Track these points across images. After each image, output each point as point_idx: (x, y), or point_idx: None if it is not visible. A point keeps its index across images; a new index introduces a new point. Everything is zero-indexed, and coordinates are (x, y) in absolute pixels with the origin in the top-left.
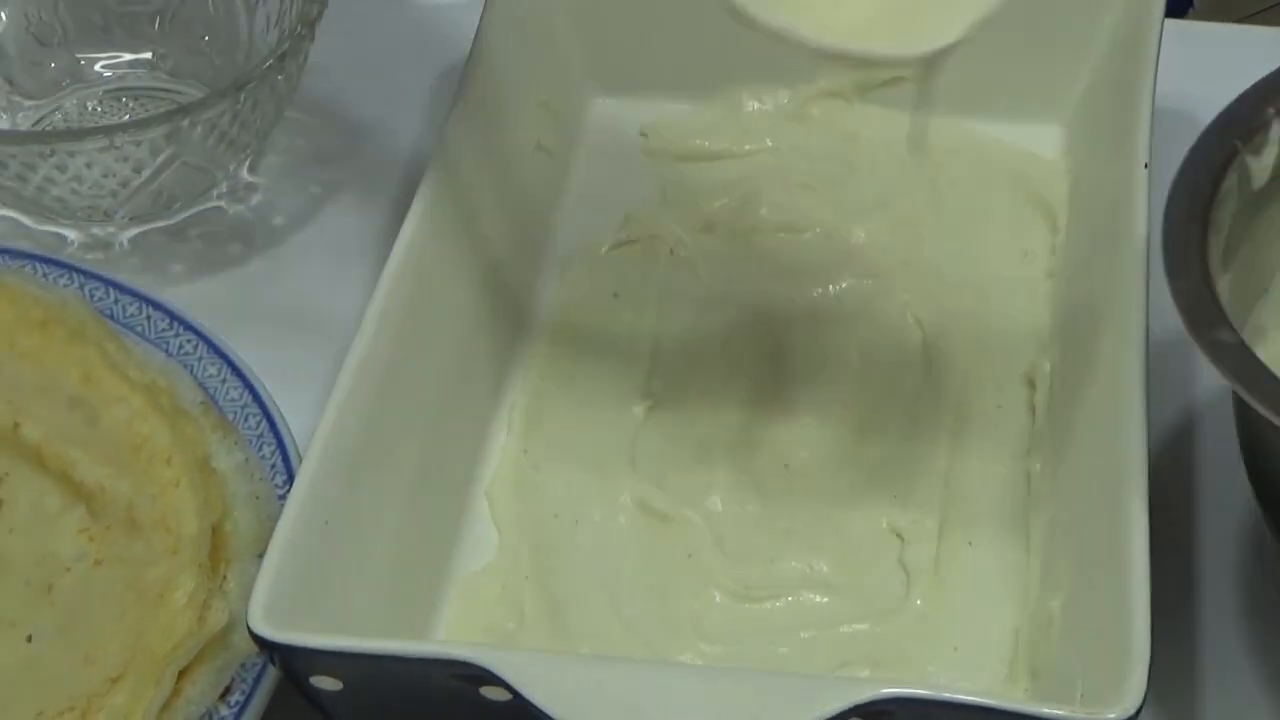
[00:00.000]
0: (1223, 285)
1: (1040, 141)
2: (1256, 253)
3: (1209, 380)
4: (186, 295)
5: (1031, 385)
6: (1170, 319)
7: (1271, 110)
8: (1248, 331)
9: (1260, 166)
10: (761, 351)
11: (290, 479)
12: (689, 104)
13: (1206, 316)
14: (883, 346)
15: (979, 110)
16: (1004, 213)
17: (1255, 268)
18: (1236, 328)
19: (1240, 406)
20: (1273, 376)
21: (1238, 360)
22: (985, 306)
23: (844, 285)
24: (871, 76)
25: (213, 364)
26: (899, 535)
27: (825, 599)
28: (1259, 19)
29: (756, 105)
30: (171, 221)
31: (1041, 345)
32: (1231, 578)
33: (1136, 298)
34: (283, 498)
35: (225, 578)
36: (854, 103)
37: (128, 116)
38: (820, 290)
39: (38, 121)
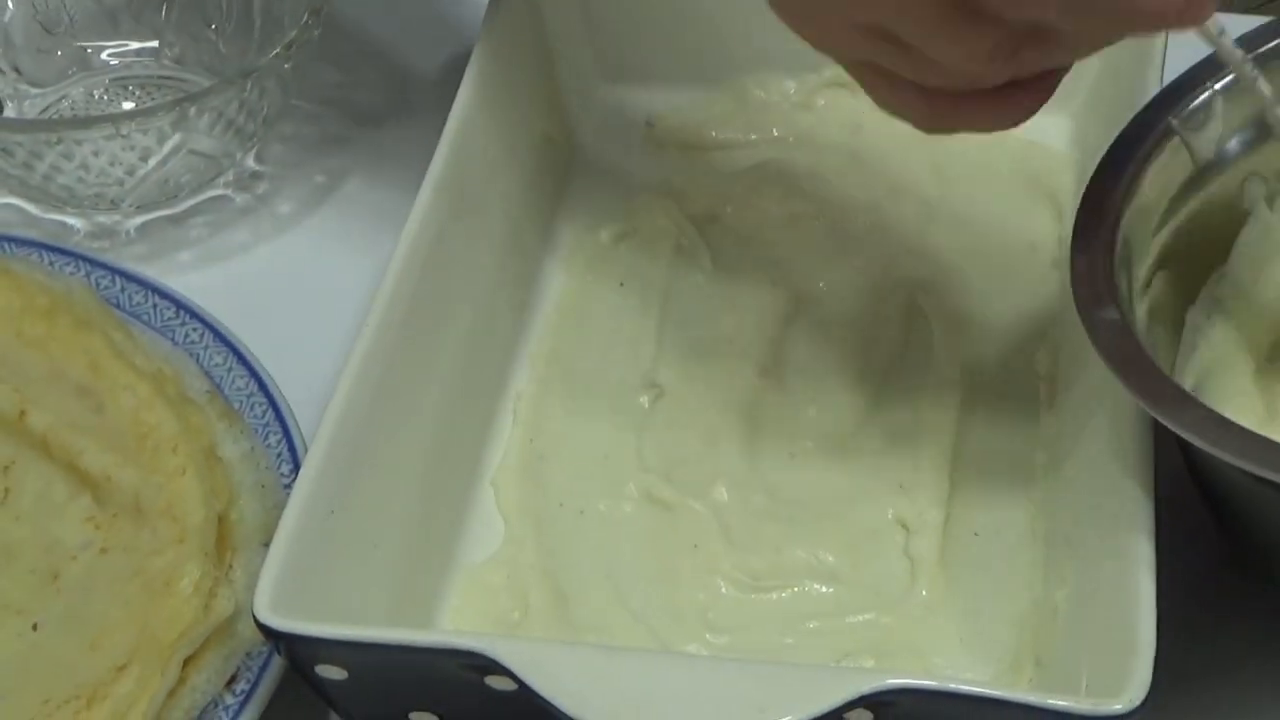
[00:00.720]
0: (1170, 258)
1: (1047, 132)
2: (1206, 229)
3: None
4: (193, 283)
5: (1037, 376)
6: None
7: (1212, 85)
8: (1200, 303)
9: (1203, 140)
10: (767, 341)
11: (296, 468)
12: (695, 94)
13: (1094, 294)
14: (888, 337)
15: None
16: (1010, 203)
17: (1207, 243)
18: (1184, 302)
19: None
20: (1148, 359)
21: (1116, 339)
22: (991, 297)
23: (849, 274)
24: None
25: (219, 353)
26: (904, 526)
27: (831, 589)
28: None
29: (763, 95)
30: (178, 210)
31: (1047, 336)
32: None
33: None
34: (288, 487)
35: (231, 566)
36: (859, 93)
37: (134, 105)
38: (826, 279)
39: (44, 110)
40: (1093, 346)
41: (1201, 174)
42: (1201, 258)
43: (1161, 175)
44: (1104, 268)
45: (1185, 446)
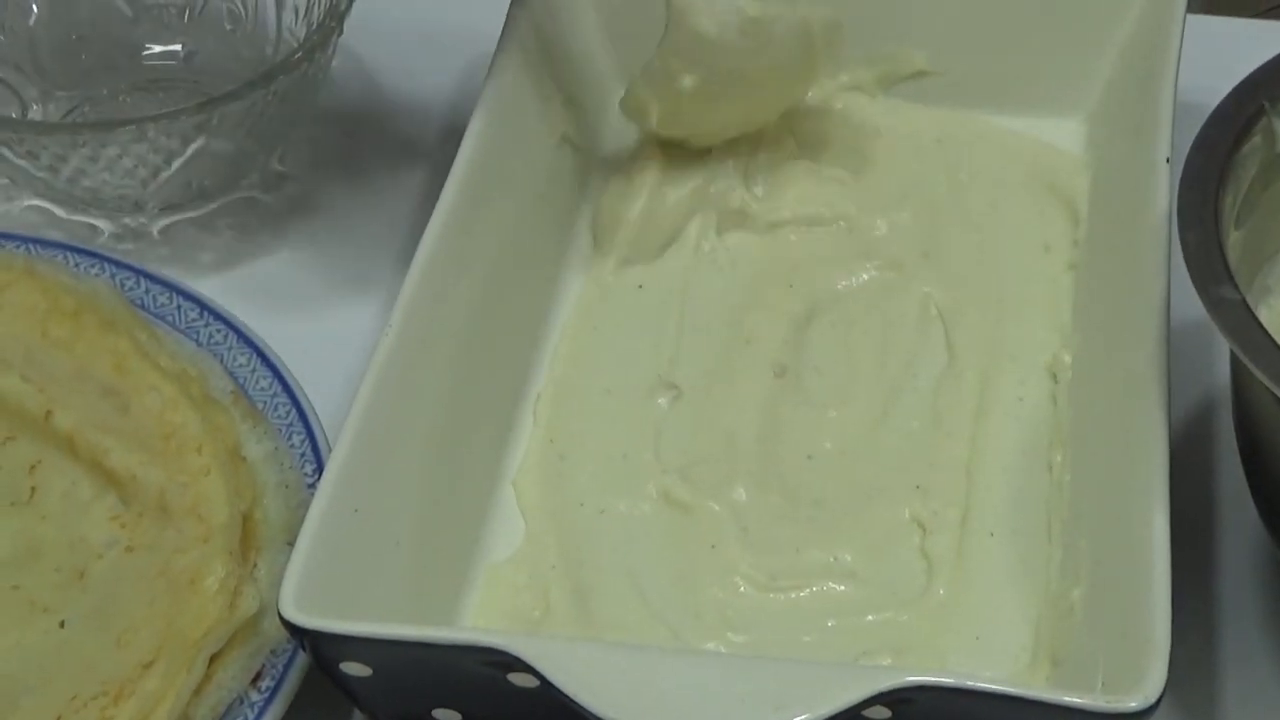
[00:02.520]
0: (1234, 242)
1: (1062, 135)
2: (1273, 214)
3: (1229, 368)
4: (217, 285)
5: (1053, 377)
6: (1191, 309)
7: None
8: (1253, 290)
9: None
10: (784, 343)
11: (319, 468)
12: None
13: (1212, 272)
14: (905, 338)
15: (1001, 104)
16: (1025, 206)
17: (1269, 229)
18: (1243, 286)
19: (1236, 371)
20: (1270, 338)
21: (1237, 318)
22: (1007, 299)
23: (866, 277)
24: (894, 70)
25: (243, 353)
26: (921, 525)
27: (848, 588)
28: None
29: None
30: (202, 212)
31: (1063, 337)
32: (1251, 565)
33: (1157, 290)
34: (312, 486)
35: (255, 565)
36: (876, 97)
37: (157, 107)
38: (843, 282)
39: (69, 112)
40: (1216, 325)
41: (1276, 161)
42: (1260, 246)
43: (1248, 158)
44: (1215, 243)
45: (1252, 435)
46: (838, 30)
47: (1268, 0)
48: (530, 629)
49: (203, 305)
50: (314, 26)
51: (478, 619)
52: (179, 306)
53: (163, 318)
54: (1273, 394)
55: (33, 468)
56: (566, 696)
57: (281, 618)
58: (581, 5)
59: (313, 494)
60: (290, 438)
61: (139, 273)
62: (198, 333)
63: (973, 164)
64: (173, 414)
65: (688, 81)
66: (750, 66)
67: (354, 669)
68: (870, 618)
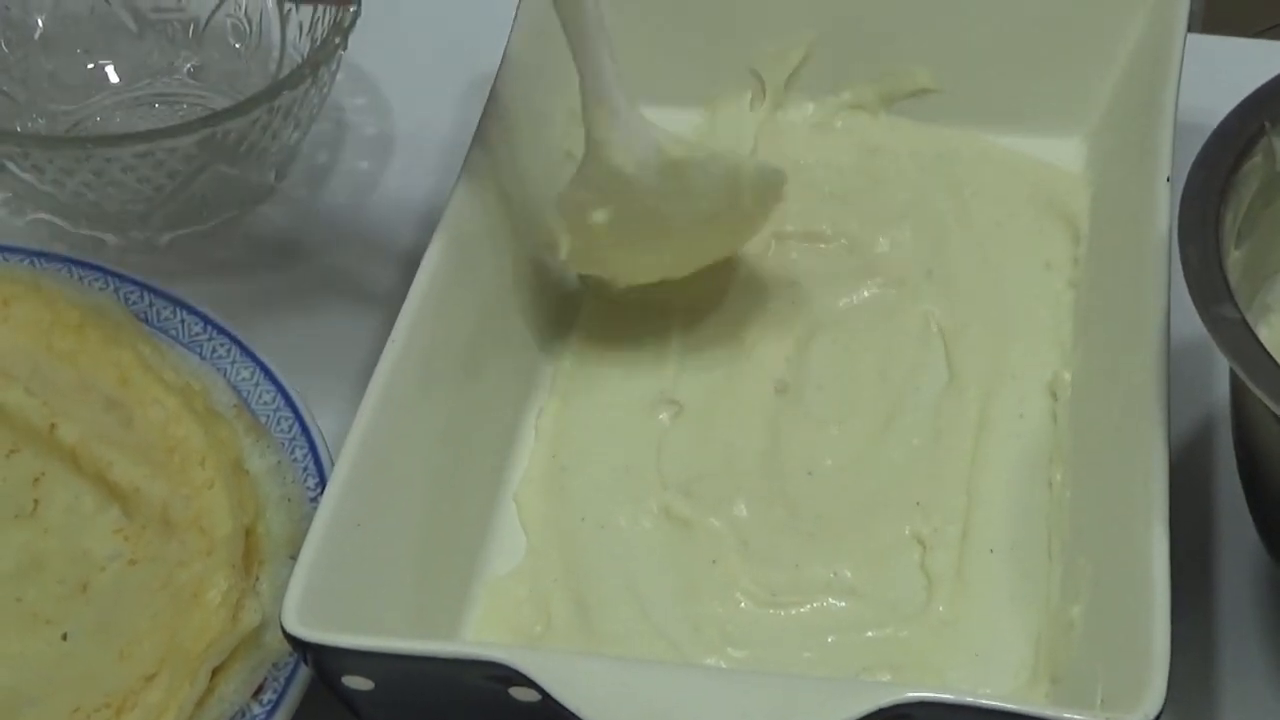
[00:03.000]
0: (1234, 260)
1: (1063, 154)
2: (1273, 232)
3: (1229, 386)
4: (221, 299)
5: (1053, 394)
6: (1191, 327)
7: None
8: (1253, 309)
9: None
10: (786, 359)
11: (322, 482)
12: (716, 114)
13: (1212, 290)
14: (906, 355)
15: (1002, 123)
16: (1026, 224)
17: (1270, 247)
18: (1243, 305)
19: (1235, 389)
20: (1270, 357)
21: (1237, 337)
22: (1007, 316)
23: (868, 294)
24: (897, 88)
25: (246, 367)
26: (921, 542)
27: (849, 604)
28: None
29: (782, 116)
30: (206, 226)
31: (1063, 355)
32: (1250, 583)
33: (1158, 309)
34: (314, 500)
35: (258, 578)
36: (878, 115)
37: (160, 122)
38: (845, 299)
39: (73, 126)
40: (1216, 343)
41: (1277, 180)
42: (1261, 265)
43: (1249, 176)
44: (1215, 261)
45: (1252, 453)
46: (774, 183)
47: (1268, 19)
48: (532, 643)
49: (206, 319)
50: (318, 42)
51: (479, 633)
52: (183, 320)
53: (166, 331)
54: (1272, 413)
55: (36, 480)
56: (568, 711)
57: (284, 631)
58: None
59: (315, 508)
60: (293, 451)
61: (143, 286)
62: (201, 346)
63: (974, 182)
64: (176, 427)
65: (599, 216)
66: (670, 211)
67: (356, 682)
68: (870, 634)
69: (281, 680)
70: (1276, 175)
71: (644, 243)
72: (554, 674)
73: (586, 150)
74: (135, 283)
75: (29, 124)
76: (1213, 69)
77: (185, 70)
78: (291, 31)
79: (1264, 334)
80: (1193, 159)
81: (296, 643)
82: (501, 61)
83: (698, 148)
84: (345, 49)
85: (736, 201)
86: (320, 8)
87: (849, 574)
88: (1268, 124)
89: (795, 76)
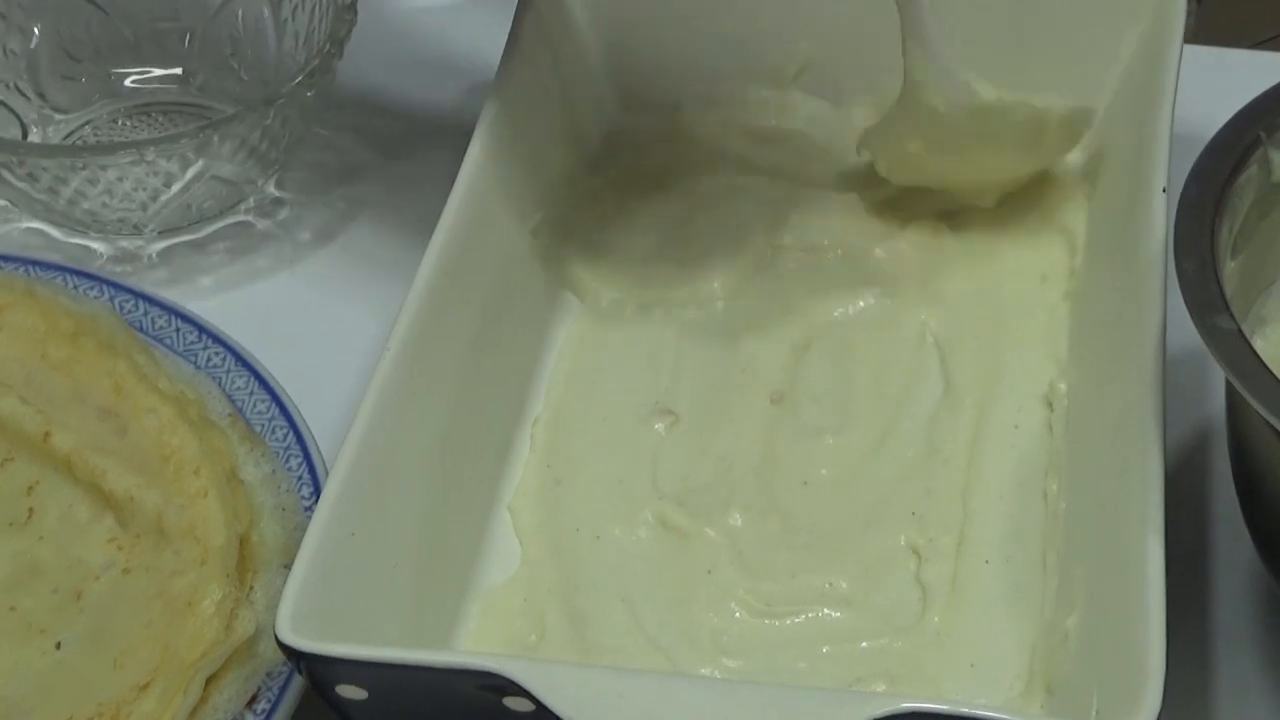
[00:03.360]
0: (1230, 271)
1: (1059, 164)
2: (1269, 243)
3: (1225, 397)
4: (214, 308)
5: (1049, 405)
6: (1187, 337)
7: None
8: (1249, 320)
9: None
10: (781, 370)
11: (316, 491)
12: None
13: (1208, 301)
14: (901, 366)
15: None
16: (1022, 235)
17: (1266, 258)
18: (1239, 316)
19: (1231, 400)
20: (1265, 367)
21: (1233, 348)
22: (1003, 327)
23: (863, 304)
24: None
25: (240, 376)
26: (916, 553)
27: (843, 615)
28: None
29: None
30: (200, 235)
31: (1059, 366)
32: (1245, 595)
33: (1154, 319)
34: (309, 509)
35: (252, 588)
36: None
37: (157, 131)
38: (841, 309)
39: (69, 135)
40: (1212, 355)
41: (1273, 191)
42: (1256, 276)
43: (1245, 187)
44: (1212, 273)
45: (1248, 465)
46: (1082, 120)
47: (1267, 30)
48: (526, 653)
49: (201, 328)
50: (314, 51)
51: (473, 643)
52: (177, 329)
53: (161, 340)
54: (1268, 423)
55: (31, 489)
56: None
57: (278, 640)
58: (582, 32)
59: (310, 517)
60: (288, 461)
61: (137, 295)
62: (196, 355)
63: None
64: (171, 436)
65: (913, 147)
66: (978, 146)
67: (350, 692)
68: (865, 644)
69: (275, 690)
70: (1272, 187)
71: (953, 166)
72: (548, 684)
73: (904, 88)
74: (130, 291)
75: (24, 132)
76: (1209, 80)
77: (181, 79)
78: (288, 40)
79: (1260, 345)
80: (1189, 169)
81: (290, 652)
82: (498, 71)
83: (1007, 93)
84: (341, 58)
85: (1039, 140)
86: (316, 16)
87: (844, 584)
88: (1263, 135)
89: (793, 86)
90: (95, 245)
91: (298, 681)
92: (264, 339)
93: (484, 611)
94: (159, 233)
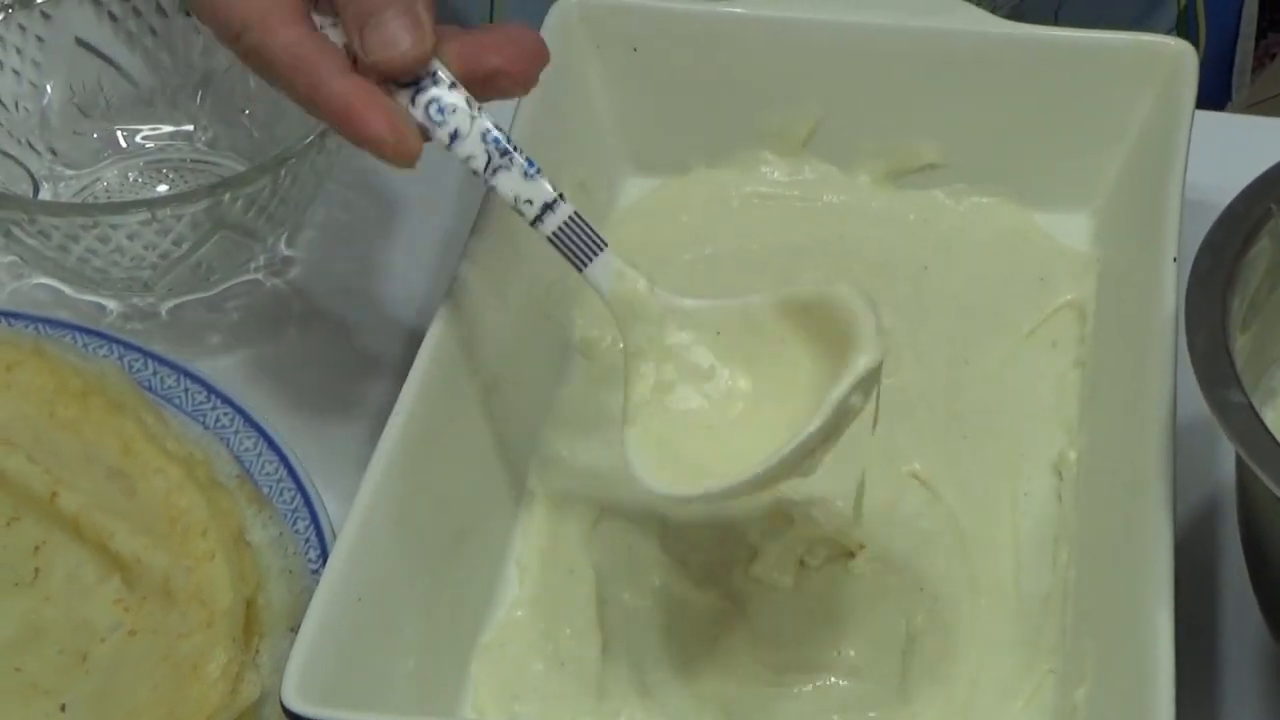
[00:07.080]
0: (1241, 344)
1: (1069, 231)
2: (1279, 317)
3: (1234, 467)
4: (224, 368)
5: (1059, 474)
6: (1196, 406)
7: None
8: (1259, 392)
9: None
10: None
11: (324, 554)
12: None
13: (1219, 375)
14: (909, 434)
15: (1009, 199)
16: (1031, 302)
17: (1276, 331)
18: (1249, 388)
19: (1241, 474)
20: (1276, 443)
21: (1244, 423)
22: (1013, 395)
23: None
24: (904, 163)
25: (249, 437)
26: (926, 623)
27: (851, 684)
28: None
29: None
30: (210, 294)
31: (1069, 434)
32: (1254, 666)
33: (1164, 389)
34: (315, 572)
35: (258, 651)
36: (885, 188)
37: (167, 188)
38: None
39: (79, 192)
40: (1223, 430)
41: None
42: (1266, 349)
43: (1256, 260)
44: (1222, 346)
45: (1257, 538)
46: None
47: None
48: (532, 716)
49: (209, 388)
50: None
51: (480, 705)
52: (186, 389)
53: (169, 400)
54: (1278, 497)
55: (37, 549)
56: None
57: (283, 706)
58: (592, 93)
59: (317, 580)
60: (295, 523)
61: (146, 354)
62: (204, 415)
63: (976, 260)
64: (179, 497)
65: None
66: None
67: None
68: (872, 715)
69: None
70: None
71: None
72: None
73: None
74: (138, 350)
75: (35, 189)
76: (1224, 147)
77: (193, 137)
78: None
79: (1269, 418)
80: (1200, 236)
81: (295, 718)
82: (509, 130)
83: None
84: None
85: None
86: None
87: (852, 653)
88: (1274, 207)
89: (803, 149)
90: (105, 302)
91: None
92: (273, 399)
93: (490, 675)
94: (169, 291)
